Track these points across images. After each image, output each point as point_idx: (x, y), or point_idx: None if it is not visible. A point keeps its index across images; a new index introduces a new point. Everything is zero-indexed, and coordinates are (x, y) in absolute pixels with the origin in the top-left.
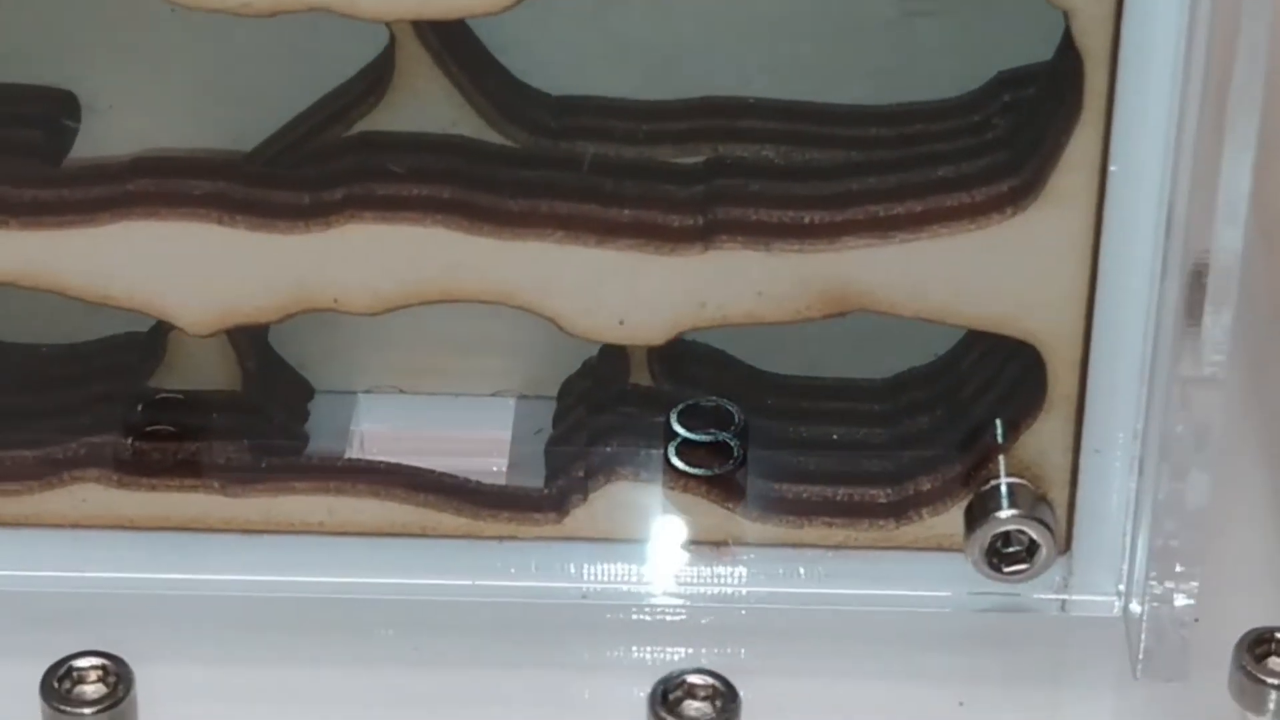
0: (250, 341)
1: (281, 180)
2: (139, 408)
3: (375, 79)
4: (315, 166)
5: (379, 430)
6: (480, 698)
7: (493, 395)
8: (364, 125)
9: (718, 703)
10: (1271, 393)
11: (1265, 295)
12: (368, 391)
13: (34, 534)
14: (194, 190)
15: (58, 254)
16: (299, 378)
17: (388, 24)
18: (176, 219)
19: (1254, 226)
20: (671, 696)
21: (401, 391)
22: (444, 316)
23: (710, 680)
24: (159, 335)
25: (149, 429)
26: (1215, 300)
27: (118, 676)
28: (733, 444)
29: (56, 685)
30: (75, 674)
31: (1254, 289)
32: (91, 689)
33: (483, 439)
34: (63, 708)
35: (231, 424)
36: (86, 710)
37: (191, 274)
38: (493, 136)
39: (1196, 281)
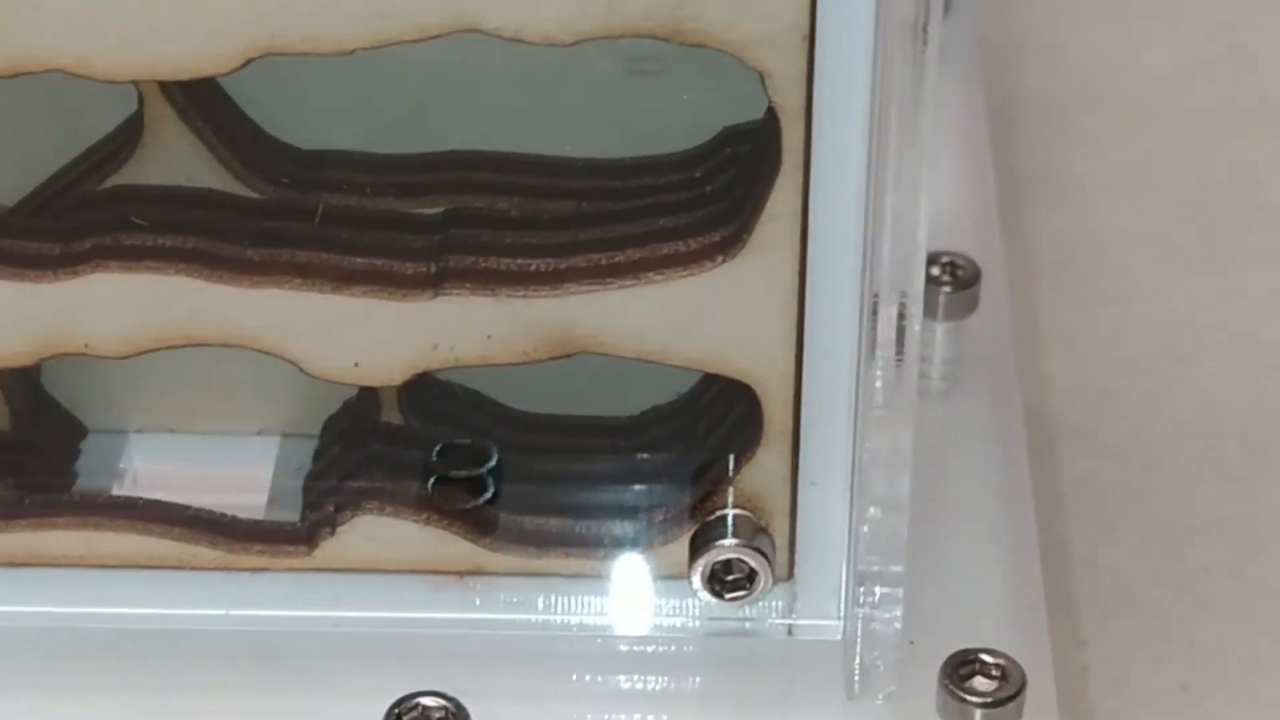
0: (20, 383)
1: (35, 232)
2: None
3: (127, 136)
4: (67, 219)
5: (147, 468)
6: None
7: (258, 434)
8: (117, 179)
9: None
10: (988, 416)
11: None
12: (139, 431)
13: None
14: None
15: None
16: (71, 418)
17: (135, 83)
18: None
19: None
20: (406, 718)
21: (171, 431)
22: (214, 358)
23: (443, 702)
24: None
25: None
26: (885, 336)
27: None
28: (487, 480)
29: None
30: None
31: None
32: None
33: (246, 476)
34: None
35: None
36: None
37: None
38: (240, 189)
39: (872, 320)
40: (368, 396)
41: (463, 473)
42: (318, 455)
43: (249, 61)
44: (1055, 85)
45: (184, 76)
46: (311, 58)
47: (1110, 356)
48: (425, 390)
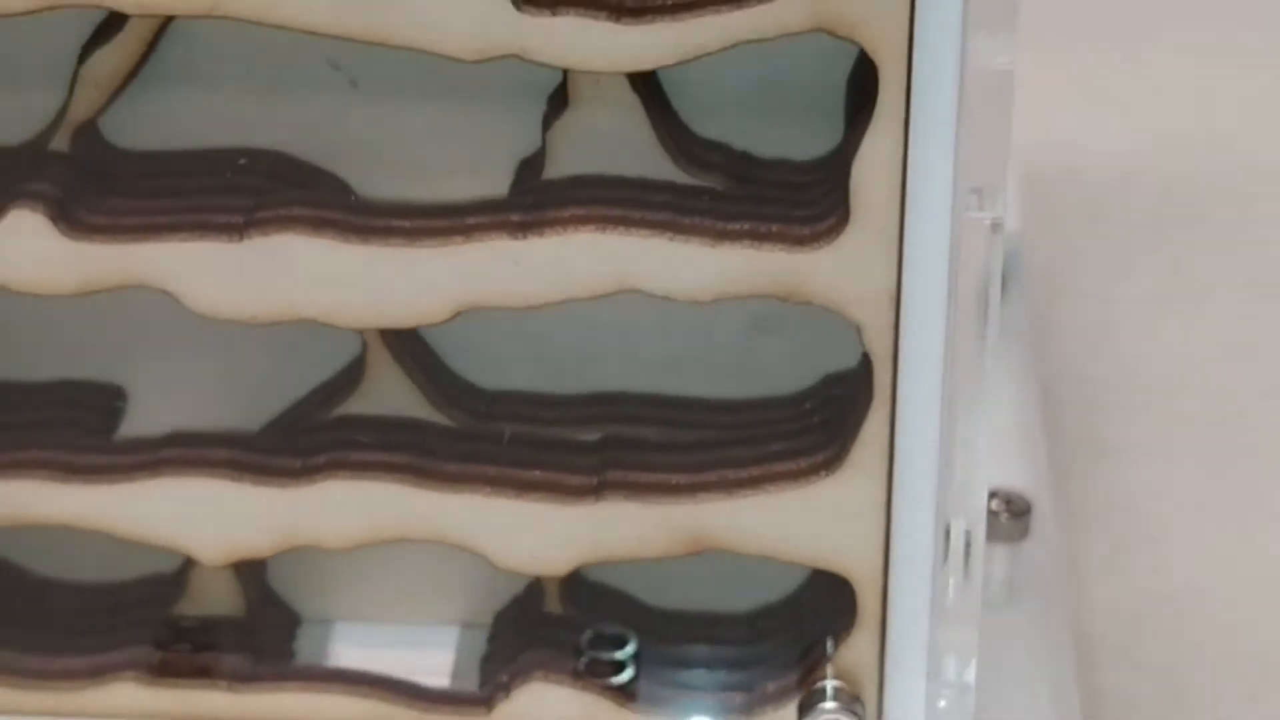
0: (253, 576)
1: (278, 449)
2: (165, 630)
3: (351, 375)
4: (305, 439)
5: (349, 651)
6: None
7: (442, 624)
8: (342, 409)
9: None
10: (1040, 630)
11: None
12: (343, 620)
13: None
14: (212, 457)
15: (107, 504)
16: (289, 609)
17: (360, 331)
18: (199, 478)
19: None
20: None
21: (369, 620)
22: (407, 560)
23: None
24: (183, 572)
25: (173, 646)
26: (956, 548)
27: None
28: (627, 660)
29: None
30: None
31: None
32: None
33: (433, 658)
34: None
35: (237, 640)
36: None
37: (209, 519)
38: (439, 418)
39: (945, 539)
40: (534, 590)
41: (608, 655)
42: (492, 639)
43: (457, 314)
44: (1100, 361)
45: (406, 325)
46: (503, 310)
47: (1144, 588)
48: (580, 586)
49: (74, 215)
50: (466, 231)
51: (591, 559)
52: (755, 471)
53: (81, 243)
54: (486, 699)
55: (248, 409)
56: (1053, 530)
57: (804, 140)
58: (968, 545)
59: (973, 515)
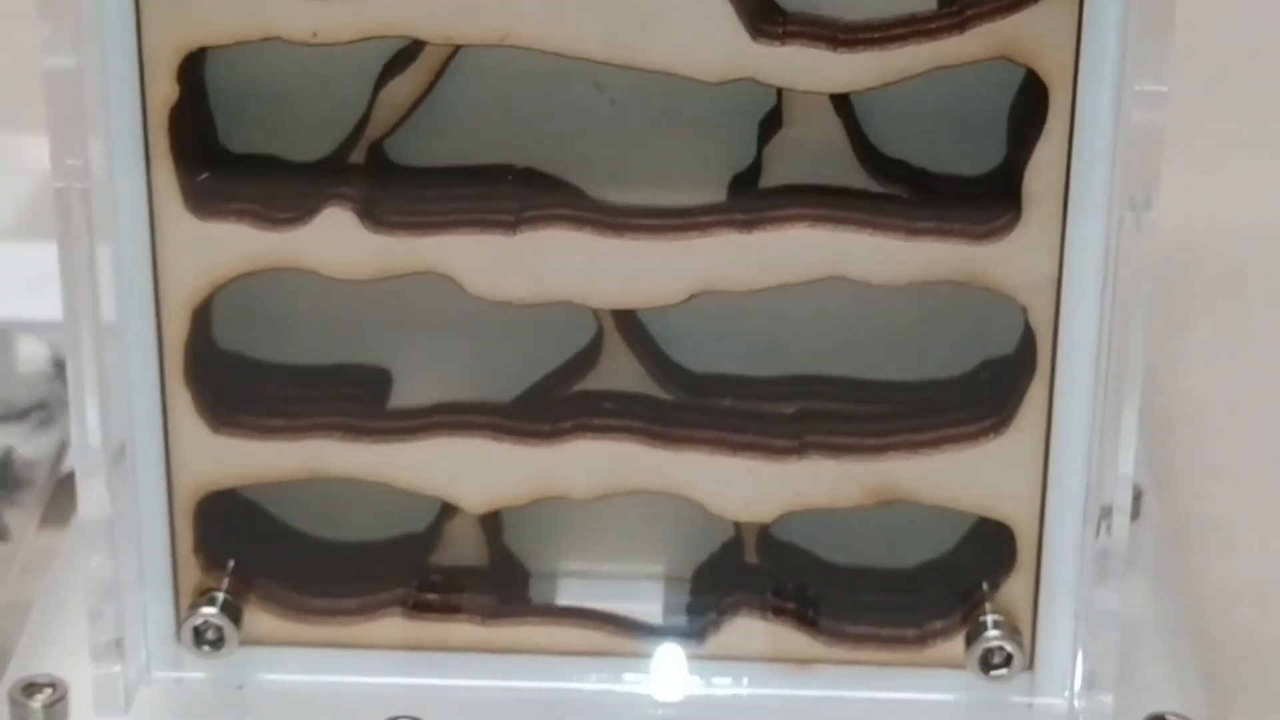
0: (493, 535)
1: (532, 415)
2: (422, 577)
3: (588, 357)
4: (551, 409)
5: (571, 599)
6: None
7: (648, 579)
8: (580, 387)
9: None
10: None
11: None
12: (565, 575)
13: (355, 653)
14: (476, 421)
15: (388, 460)
16: (521, 563)
17: (597, 317)
18: (466, 437)
19: None
20: None
21: (586, 575)
22: (620, 522)
23: None
24: (433, 530)
25: (428, 589)
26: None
27: None
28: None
29: None
30: None
31: None
32: None
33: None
34: None
35: (480, 586)
36: None
37: (474, 473)
38: (660, 393)
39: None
40: (729, 547)
41: (793, 601)
42: (694, 589)
43: (692, 297)
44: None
45: (650, 306)
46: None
47: (1221, 583)
48: (771, 544)
49: (375, 213)
50: (702, 227)
51: (794, 508)
52: (934, 434)
53: (382, 235)
54: (699, 632)
55: (494, 391)
56: (1159, 517)
57: (968, 158)
58: (1112, 511)
59: (1120, 488)
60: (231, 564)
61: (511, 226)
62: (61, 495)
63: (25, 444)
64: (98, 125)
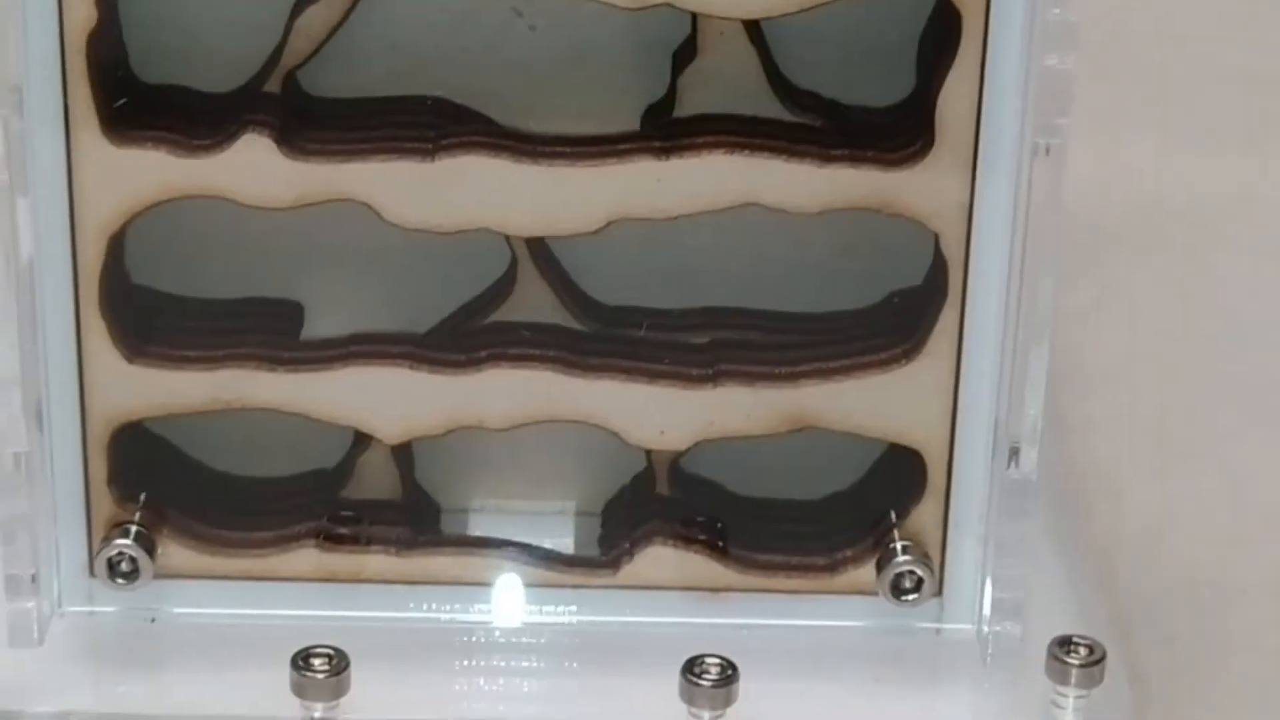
0: (405, 469)
1: (443, 346)
2: (335, 510)
3: (502, 288)
4: (466, 340)
5: (483, 533)
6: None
7: (559, 513)
8: (495, 318)
9: (728, 671)
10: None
11: None
12: (476, 510)
13: (268, 585)
14: (392, 350)
15: (305, 390)
16: (431, 498)
17: (511, 247)
18: (383, 367)
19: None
20: (698, 667)
21: (498, 510)
22: (531, 454)
23: (719, 660)
24: (345, 464)
25: (343, 522)
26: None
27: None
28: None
29: (301, 663)
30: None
31: None
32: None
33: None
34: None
35: (393, 519)
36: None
37: (390, 403)
38: (574, 324)
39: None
40: (639, 480)
41: (705, 530)
42: (605, 522)
43: (608, 224)
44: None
45: (567, 233)
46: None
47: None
48: (682, 477)
49: (292, 141)
50: (619, 155)
51: (708, 436)
52: (846, 361)
53: (299, 162)
54: (613, 562)
55: (408, 323)
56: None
57: (876, 90)
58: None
59: (1029, 419)
60: (143, 497)
61: (429, 154)
62: None
63: None
64: (16, 51)
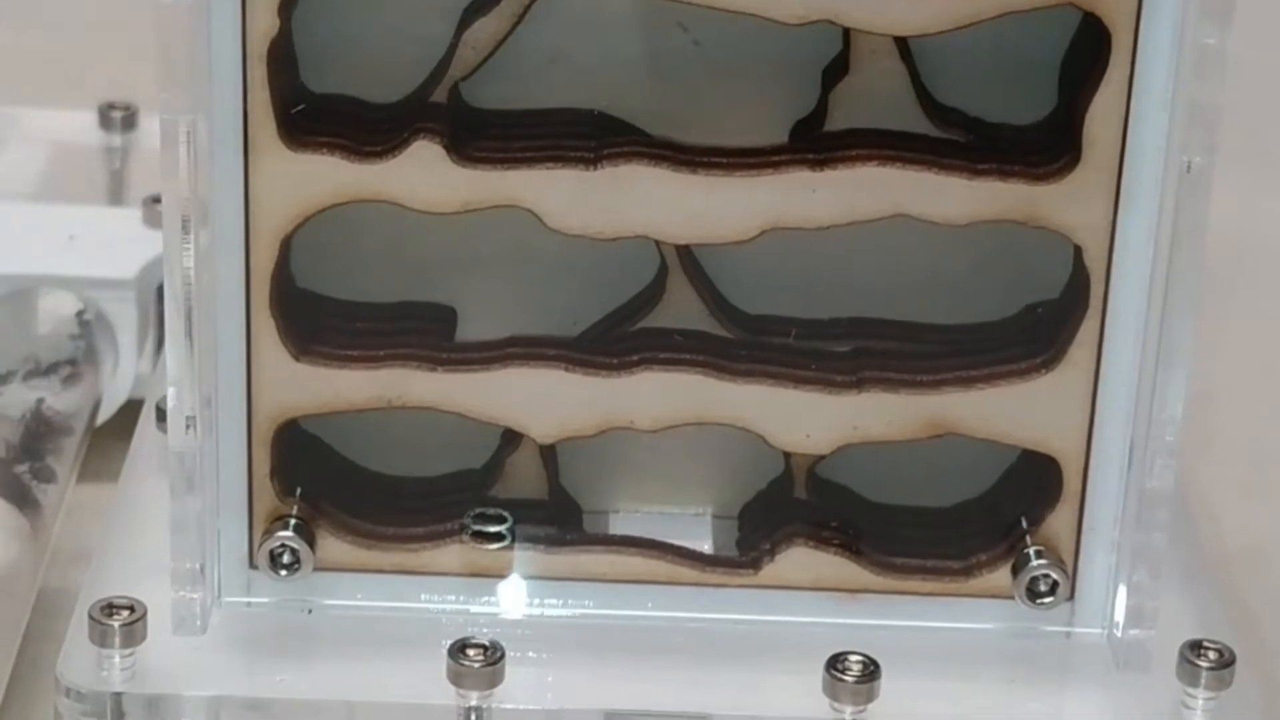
0: (552, 465)
1: (600, 349)
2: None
3: (653, 292)
4: (617, 344)
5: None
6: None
7: (695, 515)
8: (644, 324)
9: (870, 668)
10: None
11: None
12: (615, 512)
13: (419, 578)
14: (547, 353)
15: (463, 389)
16: (573, 500)
17: (661, 255)
18: (538, 368)
19: None
20: (840, 664)
21: (638, 512)
22: (673, 460)
23: (862, 657)
24: (494, 464)
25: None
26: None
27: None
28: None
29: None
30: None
31: None
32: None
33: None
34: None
35: (538, 519)
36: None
37: (544, 404)
38: (720, 331)
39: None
40: (775, 485)
41: (842, 534)
42: (742, 525)
43: (762, 233)
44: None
45: (722, 242)
46: (804, 231)
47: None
48: (817, 483)
49: (461, 148)
50: (775, 165)
51: (851, 440)
52: (987, 370)
53: (468, 169)
54: (753, 562)
55: (557, 329)
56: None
57: (1018, 108)
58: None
59: (1169, 428)
60: (299, 491)
61: (592, 162)
62: (96, 449)
63: (55, 398)
64: (201, 57)
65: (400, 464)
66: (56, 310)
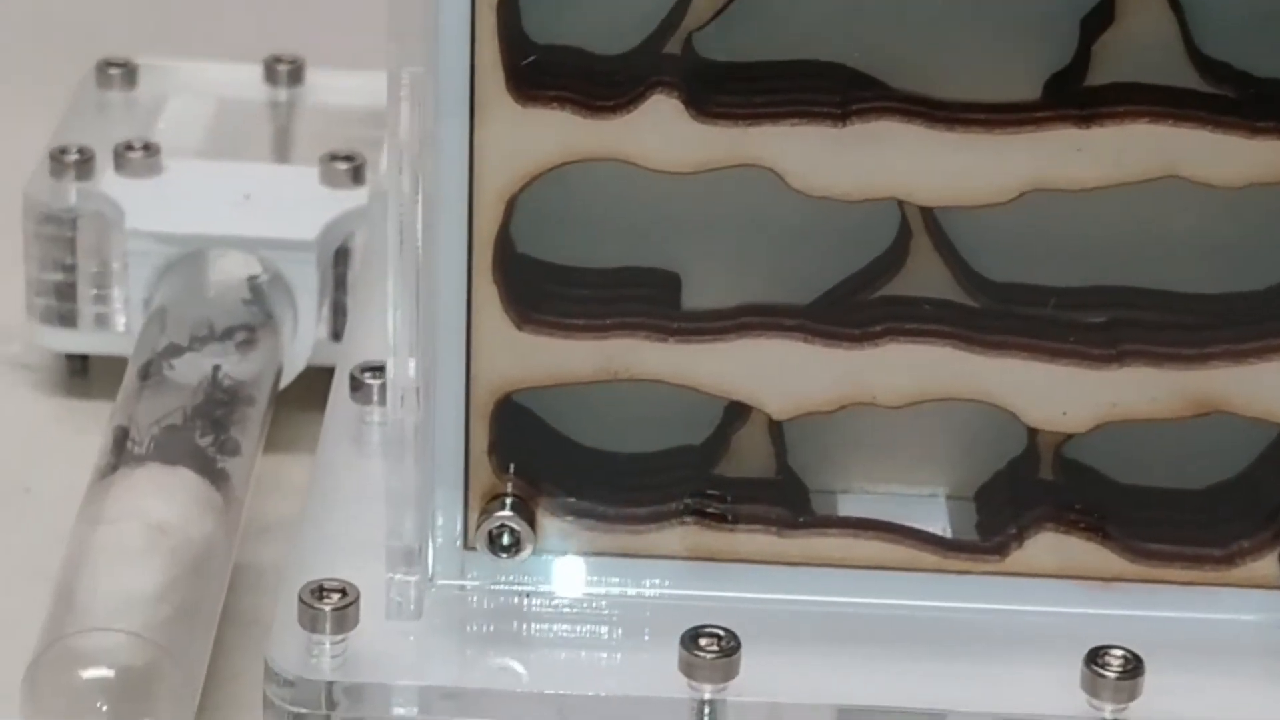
0: (779, 442)
1: (840, 318)
2: (710, 486)
3: (893, 258)
4: (857, 313)
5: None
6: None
7: (929, 496)
8: (885, 291)
9: (1132, 664)
10: None
11: None
12: (843, 491)
13: (642, 562)
14: (785, 323)
15: (695, 361)
16: (800, 479)
17: (905, 218)
18: (776, 339)
19: None
20: (1099, 660)
21: (867, 492)
22: (904, 439)
23: (1124, 651)
24: (719, 439)
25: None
26: None
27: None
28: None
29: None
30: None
31: None
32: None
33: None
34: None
35: (767, 498)
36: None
37: (781, 376)
38: (966, 300)
39: None
40: (1016, 464)
41: (1093, 518)
42: (981, 507)
43: (1022, 194)
44: None
45: (980, 204)
46: (1065, 194)
47: None
48: (1064, 463)
49: (699, 102)
50: (1037, 122)
51: (1110, 418)
52: (1259, 344)
53: (707, 125)
54: (999, 547)
55: (787, 296)
56: None
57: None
58: None
59: None
60: (513, 468)
61: (840, 119)
62: (274, 419)
63: (233, 366)
64: (430, 5)
65: (609, 439)
66: (229, 273)
